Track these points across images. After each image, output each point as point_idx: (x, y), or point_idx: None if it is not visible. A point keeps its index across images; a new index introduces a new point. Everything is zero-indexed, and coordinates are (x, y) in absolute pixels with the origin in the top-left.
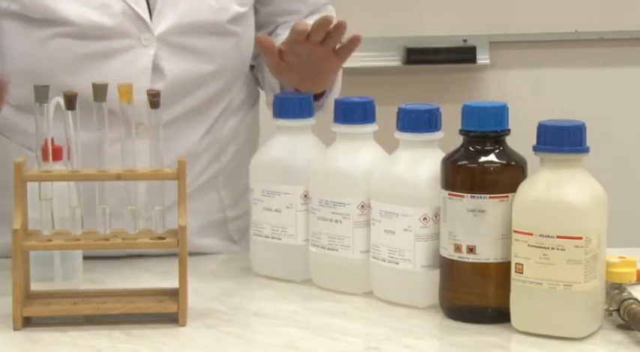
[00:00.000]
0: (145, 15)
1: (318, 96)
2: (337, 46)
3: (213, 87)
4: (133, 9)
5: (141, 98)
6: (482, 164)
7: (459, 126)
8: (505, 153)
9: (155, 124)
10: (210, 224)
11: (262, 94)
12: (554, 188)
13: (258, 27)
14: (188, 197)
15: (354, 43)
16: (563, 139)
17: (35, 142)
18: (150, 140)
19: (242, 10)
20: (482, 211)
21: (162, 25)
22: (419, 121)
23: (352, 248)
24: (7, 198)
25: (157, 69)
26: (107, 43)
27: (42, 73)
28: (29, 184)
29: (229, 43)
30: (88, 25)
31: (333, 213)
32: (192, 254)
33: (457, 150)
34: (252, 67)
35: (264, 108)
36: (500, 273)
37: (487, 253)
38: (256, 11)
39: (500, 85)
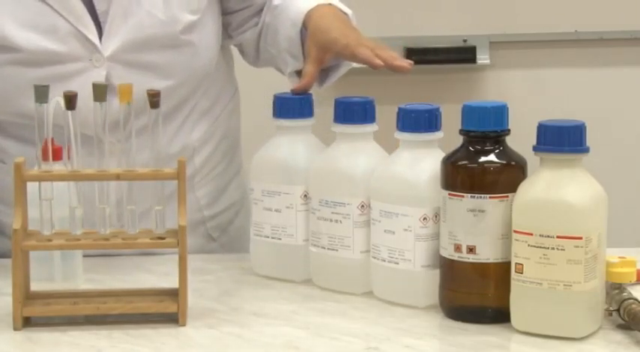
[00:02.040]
0: (93, 36)
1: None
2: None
3: (173, 99)
4: (80, 32)
5: (97, 121)
6: (482, 164)
7: (459, 126)
8: (505, 153)
9: (155, 124)
10: (188, 224)
11: (243, 93)
12: (554, 188)
13: (227, 12)
14: (165, 200)
15: (403, 70)
16: (563, 139)
17: (7, 156)
18: (150, 140)
19: (194, 17)
20: (483, 211)
21: (112, 44)
22: (419, 121)
23: (352, 248)
24: None
25: (111, 88)
26: (58, 67)
27: (1, 97)
28: (29, 184)
29: (185, 54)
30: (37, 51)
31: (333, 213)
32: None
33: (457, 150)
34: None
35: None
36: (500, 273)
37: (487, 253)
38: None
39: (500, 85)
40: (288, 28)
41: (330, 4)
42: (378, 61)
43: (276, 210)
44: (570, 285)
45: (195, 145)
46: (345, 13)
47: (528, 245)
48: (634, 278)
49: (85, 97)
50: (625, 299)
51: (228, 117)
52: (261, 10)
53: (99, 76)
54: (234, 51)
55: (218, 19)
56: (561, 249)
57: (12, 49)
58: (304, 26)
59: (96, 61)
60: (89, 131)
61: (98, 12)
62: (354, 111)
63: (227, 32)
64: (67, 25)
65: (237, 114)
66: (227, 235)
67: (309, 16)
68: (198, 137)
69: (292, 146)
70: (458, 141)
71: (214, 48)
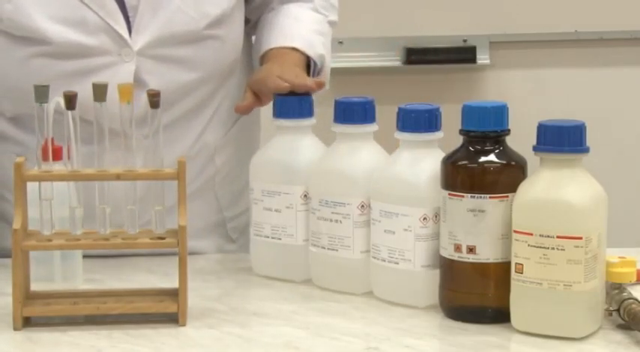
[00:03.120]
0: (123, 31)
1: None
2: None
3: (200, 93)
4: (110, 26)
5: (123, 112)
6: (482, 164)
7: (459, 126)
8: (505, 153)
9: (155, 125)
10: (209, 225)
11: None
12: (554, 188)
13: (256, 8)
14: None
15: (319, 87)
16: (563, 139)
17: (26, 150)
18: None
19: (223, 14)
20: (483, 211)
21: (141, 39)
22: (419, 121)
23: (352, 248)
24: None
25: (139, 82)
26: (87, 60)
27: (27, 90)
28: (29, 184)
29: (212, 48)
30: (66, 44)
31: (333, 213)
32: (191, 254)
33: (457, 150)
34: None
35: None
36: (501, 273)
37: (487, 253)
38: None
39: (500, 84)
40: (255, 50)
41: (293, 49)
42: (285, 85)
43: (276, 210)
44: (570, 285)
45: (216, 144)
46: (309, 57)
47: (528, 245)
48: (634, 278)
49: (111, 92)
50: (625, 299)
51: (250, 119)
52: (262, 10)
53: (128, 70)
54: None
55: (243, 15)
56: (561, 249)
57: (41, 42)
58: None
59: (125, 56)
60: (117, 126)
61: (127, 6)
62: (354, 111)
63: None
64: (97, 19)
65: (259, 116)
66: (245, 237)
67: (265, 55)
68: (221, 136)
69: (292, 146)
70: (458, 141)
71: (241, 42)
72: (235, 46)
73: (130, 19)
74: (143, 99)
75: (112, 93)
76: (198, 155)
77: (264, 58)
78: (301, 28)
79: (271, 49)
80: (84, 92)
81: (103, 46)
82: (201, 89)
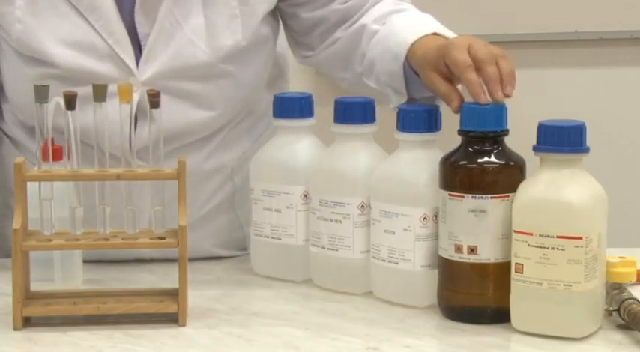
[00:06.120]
0: (130, 60)
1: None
2: None
3: (211, 127)
4: (117, 54)
5: (124, 144)
6: (481, 164)
7: (459, 126)
8: (504, 153)
9: (157, 125)
10: (228, 242)
11: None
12: (554, 188)
13: (303, 30)
14: (203, 219)
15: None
16: (563, 139)
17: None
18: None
19: (237, 49)
20: (483, 211)
21: (149, 70)
22: (419, 121)
23: (352, 248)
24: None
25: (144, 114)
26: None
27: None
28: (29, 184)
29: (225, 86)
30: (73, 68)
31: (333, 213)
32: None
33: (456, 150)
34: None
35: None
36: (501, 273)
37: (487, 253)
38: (298, 17)
39: None
40: (389, 61)
41: (434, 34)
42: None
43: (276, 210)
44: (570, 285)
45: (233, 164)
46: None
47: (528, 245)
48: (634, 278)
49: (117, 121)
50: (625, 299)
51: (272, 135)
52: (337, 27)
53: (133, 99)
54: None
55: (266, 50)
56: (561, 249)
57: (49, 64)
58: (407, 60)
59: (132, 86)
60: (118, 152)
61: (140, 35)
62: (354, 111)
63: (305, 54)
64: (105, 46)
65: None
66: None
67: (413, 51)
68: (238, 156)
69: (292, 146)
70: (457, 141)
71: (258, 79)
72: (251, 87)
73: (142, 48)
74: (145, 131)
75: (118, 123)
76: (215, 174)
77: (412, 55)
78: (424, 19)
79: (413, 44)
80: (87, 118)
81: (108, 73)
82: (212, 124)
